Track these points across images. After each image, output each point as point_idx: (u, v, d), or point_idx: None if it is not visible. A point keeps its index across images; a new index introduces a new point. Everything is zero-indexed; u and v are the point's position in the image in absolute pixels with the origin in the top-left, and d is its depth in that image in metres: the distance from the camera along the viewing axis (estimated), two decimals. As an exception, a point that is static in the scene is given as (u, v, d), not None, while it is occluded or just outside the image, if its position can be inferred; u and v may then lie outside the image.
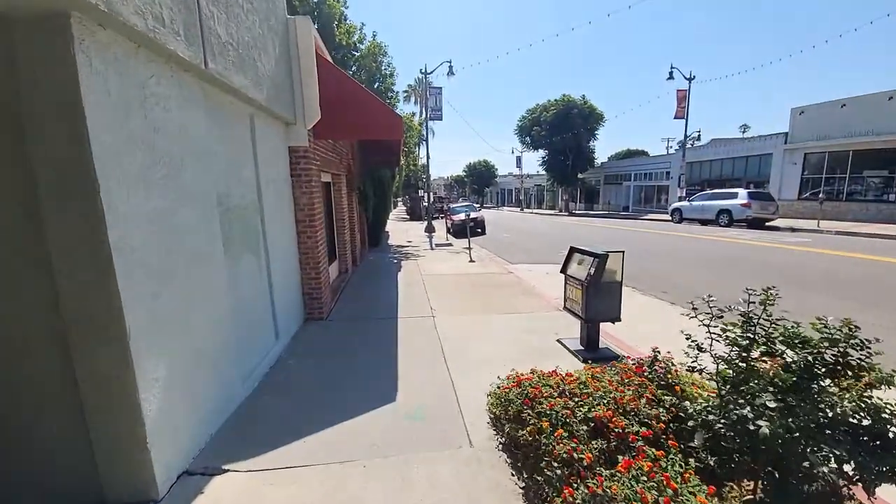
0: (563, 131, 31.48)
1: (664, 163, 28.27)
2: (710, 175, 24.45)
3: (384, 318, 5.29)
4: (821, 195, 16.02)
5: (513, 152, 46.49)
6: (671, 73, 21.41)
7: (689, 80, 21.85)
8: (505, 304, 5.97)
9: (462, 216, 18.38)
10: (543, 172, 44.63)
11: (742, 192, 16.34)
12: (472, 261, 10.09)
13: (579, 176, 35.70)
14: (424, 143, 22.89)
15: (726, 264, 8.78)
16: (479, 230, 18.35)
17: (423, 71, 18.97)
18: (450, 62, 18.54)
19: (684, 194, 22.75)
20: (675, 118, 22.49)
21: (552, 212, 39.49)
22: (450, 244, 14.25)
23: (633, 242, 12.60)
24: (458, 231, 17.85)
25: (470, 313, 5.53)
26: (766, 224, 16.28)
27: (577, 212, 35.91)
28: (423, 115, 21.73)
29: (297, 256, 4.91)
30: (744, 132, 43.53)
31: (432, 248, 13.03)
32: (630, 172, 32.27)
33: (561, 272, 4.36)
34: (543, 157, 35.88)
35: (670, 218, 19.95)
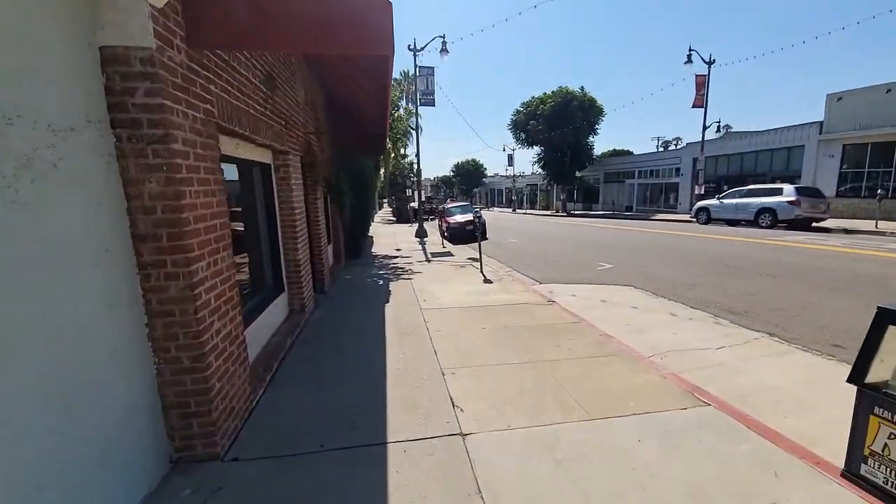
0: (561, 125, 29.00)
1: (673, 158, 26.05)
2: (727, 171, 22.26)
3: (354, 449, 2.43)
4: (879, 191, 13.82)
5: (504, 150, 44.05)
6: (689, 55, 19.07)
7: (709, 63, 19.57)
8: (588, 384, 3.18)
9: (461, 218, 15.60)
10: (536, 171, 42.10)
11: (788, 187, 14.00)
12: (487, 280, 7.29)
13: (577, 174, 33.33)
14: (413, 133, 20.06)
15: (864, 289, 6.19)
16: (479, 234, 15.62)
17: (412, 47, 16.13)
18: (443, 37, 15.74)
19: (703, 192, 20.47)
20: (694, 107, 20.18)
21: (547, 212, 37.07)
22: (448, 253, 11.45)
23: (692, 253, 10.00)
24: (456, 236, 15.09)
25: (533, 417, 2.72)
26: (813, 225, 14.02)
27: (575, 212, 33.52)
28: (410, 107, 18.86)
29: (140, 331, 2.03)
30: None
31: (428, 260, 10.20)
32: (633, 169, 30.00)
33: (850, 382, 1.57)
34: (539, 154, 33.44)
35: (694, 218, 17.56)
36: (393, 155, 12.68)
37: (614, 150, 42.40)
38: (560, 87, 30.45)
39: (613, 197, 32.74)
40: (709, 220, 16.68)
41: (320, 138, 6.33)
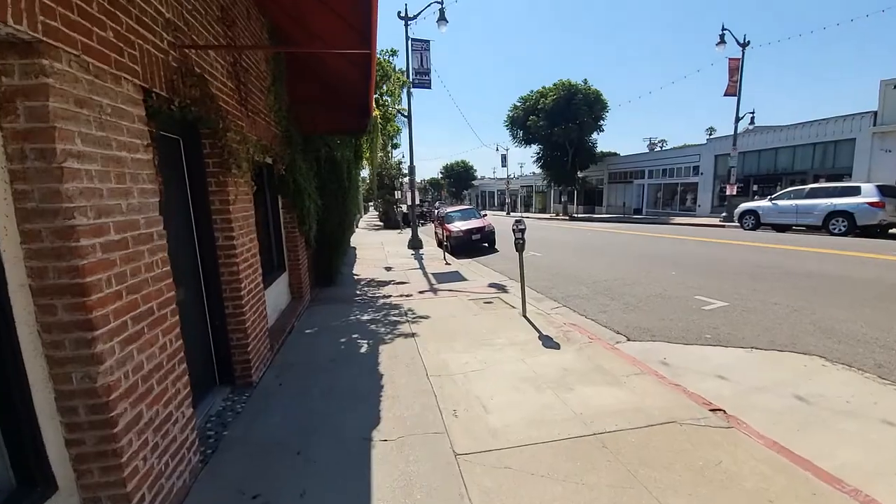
0: (564, 120, 26.33)
1: (692, 155, 23.60)
2: (757, 169, 19.84)
3: None
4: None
5: (497, 149, 41.32)
6: (722, 35, 16.56)
7: (743, 46, 17.10)
8: None
9: (464, 225, 12.58)
10: (528, 172, 39.11)
11: (867, 186, 11.47)
12: (548, 341, 4.28)
13: (579, 174, 30.71)
14: (399, 126, 16.93)
15: None
16: (487, 244, 12.68)
17: (403, 15, 13.11)
18: (441, 2, 12.76)
19: (734, 192, 18.00)
20: (726, 95, 17.67)
21: (546, 216, 34.40)
22: (455, 273, 8.42)
23: (829, 281, 7.08)
24: (460, 247, 12.07)
25: None
26: (891, 231, 11.53)
27: (577, 216, 30.91)
28: (397, 101, 15.72)
29: None
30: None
31: (432, 289, 7.13)
32: (643, 169, 27.52)
33: None
34: (538, 153, 30.73)
35: (737, 223, 14.98)
36: (383, 131, 9.39)
37: (602, 151, 39.92)
38: (560, 80, 27.85)
39: (619, 199, 30.22)
40: (757, 226, 14.09)
41: (243, 74, 3.24)
